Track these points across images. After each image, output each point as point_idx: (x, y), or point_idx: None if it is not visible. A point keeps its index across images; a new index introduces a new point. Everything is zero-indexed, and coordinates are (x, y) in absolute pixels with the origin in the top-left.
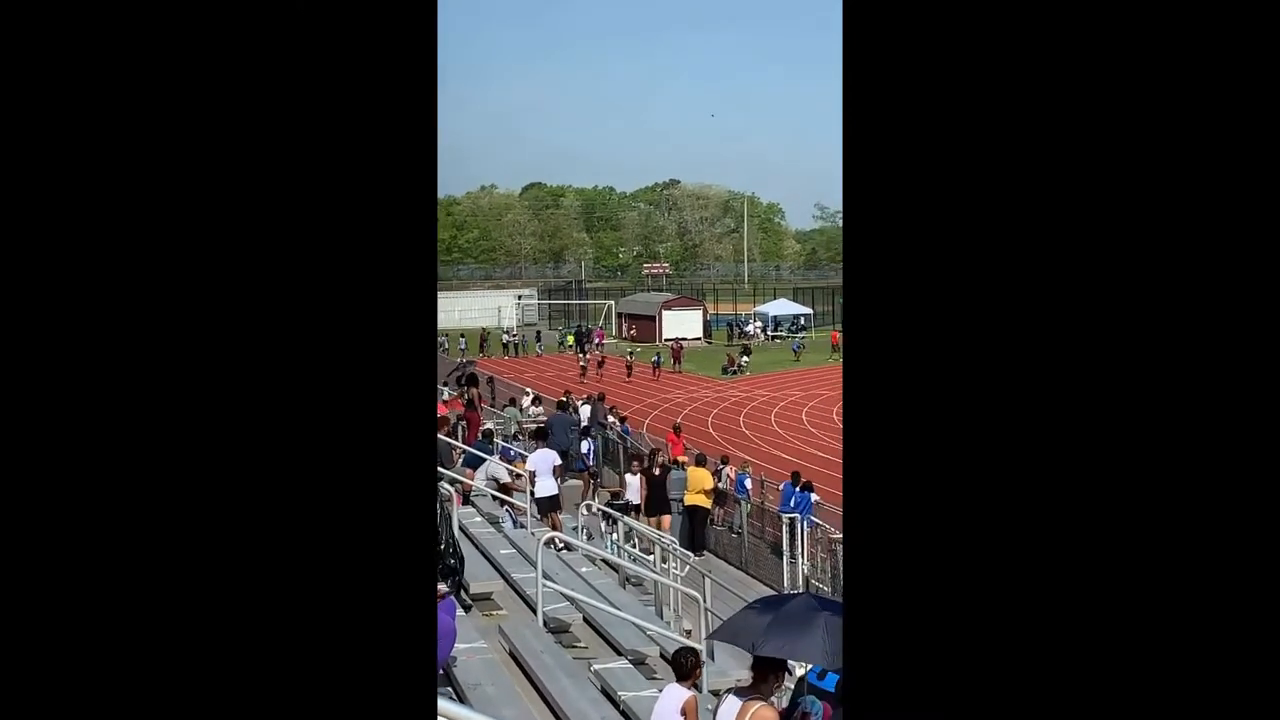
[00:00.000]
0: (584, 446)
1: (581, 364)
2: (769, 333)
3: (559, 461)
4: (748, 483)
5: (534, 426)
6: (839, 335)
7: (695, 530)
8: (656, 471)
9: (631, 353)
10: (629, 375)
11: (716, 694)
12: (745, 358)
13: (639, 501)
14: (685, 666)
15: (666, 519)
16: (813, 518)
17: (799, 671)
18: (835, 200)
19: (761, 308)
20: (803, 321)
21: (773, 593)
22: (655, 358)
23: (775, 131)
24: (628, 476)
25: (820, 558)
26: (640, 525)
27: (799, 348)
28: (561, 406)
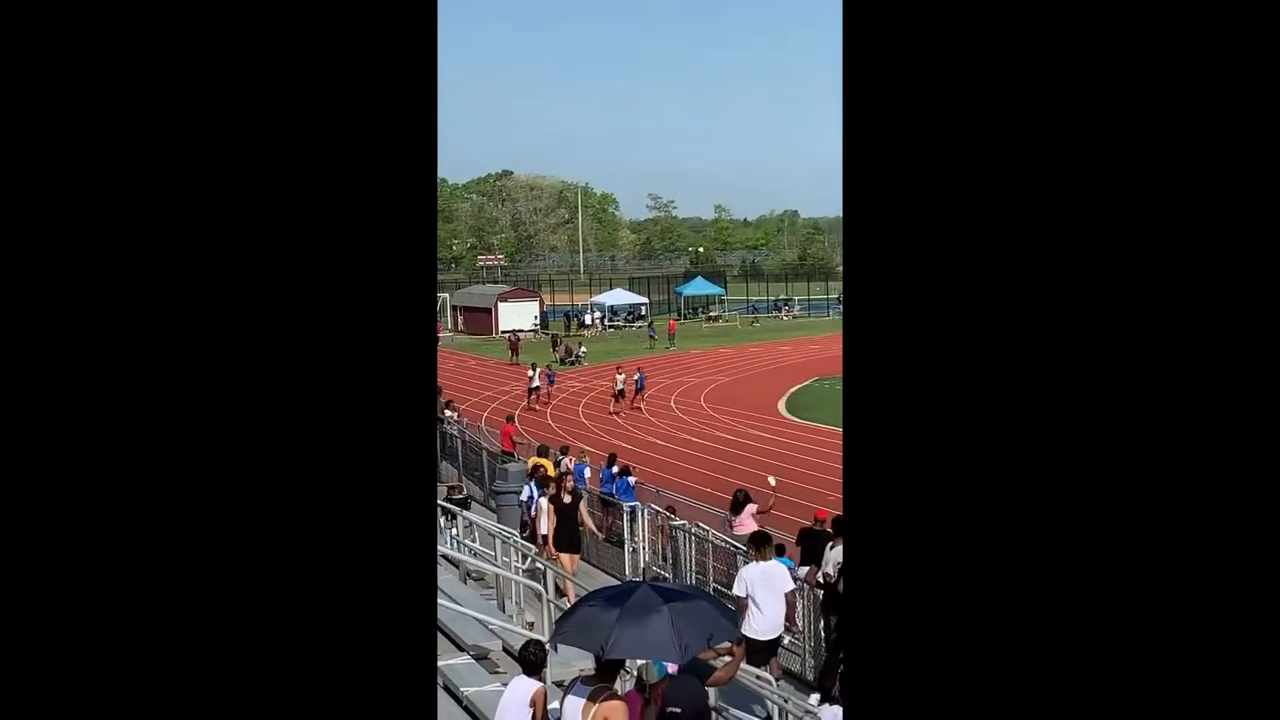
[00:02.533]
0: (525, 493)
1: (532, 384)
2: (606, 322)
3: None
4: (586, 472)
5: None
6: (675, 324)
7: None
8: (567, 499)
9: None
10: (616, 401)
11: (560, 685)
12: (565, 359)
13: (547, 531)
14: (534, 660)
15: (575, 557)
16: (653, 505)
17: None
18: (668, 190)
19: (598, 298)
20: (642, 310)
21: (613, 584)
22: (637, 378)
23: (609, 122)
24: (542, 502)
25: (660, 545)
26: (481, 519)
27: (654, 334)
28: None
